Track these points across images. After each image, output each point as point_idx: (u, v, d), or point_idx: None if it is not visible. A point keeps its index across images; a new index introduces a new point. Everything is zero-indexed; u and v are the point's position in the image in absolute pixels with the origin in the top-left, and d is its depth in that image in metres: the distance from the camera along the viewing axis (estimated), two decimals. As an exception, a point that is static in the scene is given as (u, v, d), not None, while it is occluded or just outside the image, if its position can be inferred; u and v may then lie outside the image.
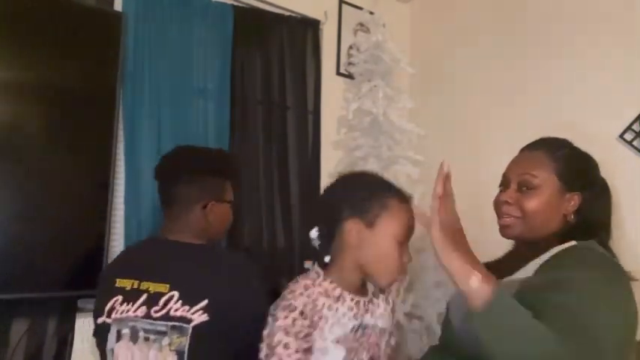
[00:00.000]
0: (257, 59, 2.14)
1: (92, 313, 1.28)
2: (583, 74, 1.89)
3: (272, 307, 0.95)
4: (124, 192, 1.83)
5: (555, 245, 1.09)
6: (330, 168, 2.32)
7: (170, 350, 1.12)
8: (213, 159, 1.40)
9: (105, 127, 1.71)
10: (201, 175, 1.30)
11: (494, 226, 1.24)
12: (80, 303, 1.71)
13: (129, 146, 1.83)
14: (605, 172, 1.77)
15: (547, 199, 1.13)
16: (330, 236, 1.00)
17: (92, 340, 1.70)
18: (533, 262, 1.07)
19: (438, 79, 2.50)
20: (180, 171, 1.30)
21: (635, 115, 1.72)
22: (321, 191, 1.08)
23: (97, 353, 1.59)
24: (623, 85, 1.76)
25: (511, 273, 1.09)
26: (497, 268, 1.17)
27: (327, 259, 1.00)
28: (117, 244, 1.82)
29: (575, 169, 1.19)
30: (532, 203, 1.12)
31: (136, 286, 1.20)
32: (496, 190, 1.29)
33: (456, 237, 0.90)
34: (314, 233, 1.01)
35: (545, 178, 1.14)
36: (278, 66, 2.20)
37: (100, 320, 1.22)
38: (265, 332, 0.93)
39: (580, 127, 1.88)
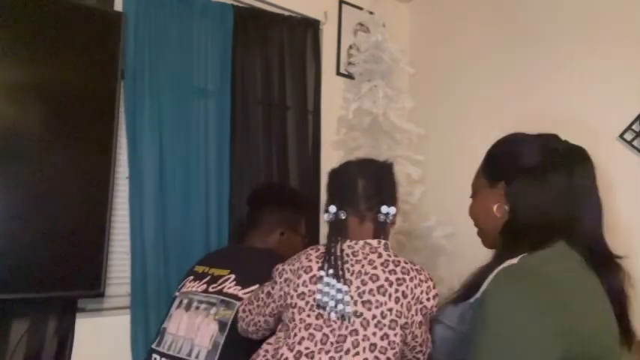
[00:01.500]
0: (257, 59, 2.14)
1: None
2: (583, 74, 1.89)
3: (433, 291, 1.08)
4: (127, 192, 1.83)
5: (505, 260, 0.92)
6: (330, 168, 2.31)
7: (214, 319, 1.30)
8: (297, 196, 1.69)
9: (105, 127, 1.71)
10: (286, 207, 1.58)
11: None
12: (80, 303, 1.71)
13: (131, 146, 1.83)
14: (605, 172, 1.79)
15: (479, 202, 1.07)
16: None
17: (92, 340, 1.71)
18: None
19: (438, 79, 2.50)
20: (269, 201, 1.59)
21: (635, 115, 1.72)
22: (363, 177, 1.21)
23: (97, 353, 1.63)
24: (623, 85, 1.76)
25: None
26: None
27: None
28: (117, 244, 1.82)
29: (494, 155, 1.06)
30: (470, 210, 1.10)
31: (205, 271, 1.45)
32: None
33: None
34: (387, 209, 1.17)
35: (477, 180, 1.08)
36: (278, 66, 2.20)
37: (174, 294, 1.49)
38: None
39: (580, 127, 1.89)
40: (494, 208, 1.01)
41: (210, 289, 1.36)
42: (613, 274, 0.94)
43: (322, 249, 1.15)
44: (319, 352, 1.02)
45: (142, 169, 1.83)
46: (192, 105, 1.96)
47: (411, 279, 1.06)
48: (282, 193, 1.70)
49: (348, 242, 1.14)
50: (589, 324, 0.84)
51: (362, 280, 1.05)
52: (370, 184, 1.18)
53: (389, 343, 1.01)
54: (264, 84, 2.15)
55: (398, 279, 1.05)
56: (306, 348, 1.03)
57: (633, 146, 1.72)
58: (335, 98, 2.38)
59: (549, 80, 1.99)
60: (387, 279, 1.05)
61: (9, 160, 1.53)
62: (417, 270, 1.08)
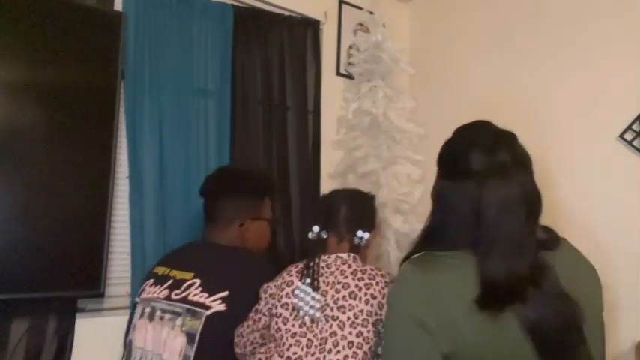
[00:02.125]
0: (257, 59, 2.14)
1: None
2: (583, 74, 1.89)
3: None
4: (128, 192, 1.83)
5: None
6: (330, 168, 2.31)
7: (181, 330, 1.20)
8: (251, 180, 1.52)
9: (105, 127, 1.71)
10: (240, 195, 1.44)
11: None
12: (80, 303, 1.71)
13: (131, 146, 1.83)
14: (605, 172, 1.79)
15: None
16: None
17: (92, 340, 1.71)
18: None
19: (438, 79, 2.50)
20: (221, 191, 1.45)
21: (635, 115, 1.72)
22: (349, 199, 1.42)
23: (97, 353, 1.63)
24: (623, 85, 1.76)
25: None
26: None
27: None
28: (117, 244, 1.82)
29: (440, 152, 1.11)
30: None
31: (166, 273, 1.33)
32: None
33: None
34: (362, 234, 1.37)
35: None
36: (278, 66, 2.20)
37: (135, 299, 1.38)
38: None
39: (580, 127, 1.89)
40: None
41: (174, 296, 1.25)
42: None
43: (301, 265, 1.30)
44: (306, 355, 1.16)
45: (141, 169, 1.83)
46: (192, 105, 1.96)
47: (377, 282, 1.22)
48: (233, 182, 1.51)
49: (323, 257, 1.30)
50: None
51: (336, 289, 1.22)
52: (351, 210, 1.39)
53: (364, 339, 1.16)
54: (264, 84, 2.15)
55: (366, 284, 1.22)
56: (294, 353, 1.17)
57: (633, 146, 1.72)
58: (335, 98, 2.38)
59: (549, 80, 1.99)
60: (356, 285, 1.22)
61: (9, 160, 1.53)
62: (381, 275, 1.26)
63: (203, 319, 1.19)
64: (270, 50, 2.18)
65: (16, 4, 1.58)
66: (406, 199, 2.15)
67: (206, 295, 1.22)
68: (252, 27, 2.13)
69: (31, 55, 1.59)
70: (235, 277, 1.23)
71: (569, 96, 1.92)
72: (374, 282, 1.22)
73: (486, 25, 2.29)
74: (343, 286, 1.22)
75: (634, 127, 1.72)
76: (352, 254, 1.31)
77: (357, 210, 1.40)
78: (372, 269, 1.26)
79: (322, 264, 1.28)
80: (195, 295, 1.23)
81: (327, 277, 1.24)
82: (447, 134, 1.10)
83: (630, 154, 1.73)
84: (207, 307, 1.20)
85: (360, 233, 1.35)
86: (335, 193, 1.48)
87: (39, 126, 1.60)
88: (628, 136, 1.73)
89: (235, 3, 2.12)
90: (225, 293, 1.21)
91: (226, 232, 1.41)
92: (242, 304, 1.21)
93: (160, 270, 1.36)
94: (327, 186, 2.30)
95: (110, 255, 1.73)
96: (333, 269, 1.27)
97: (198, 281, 1.25)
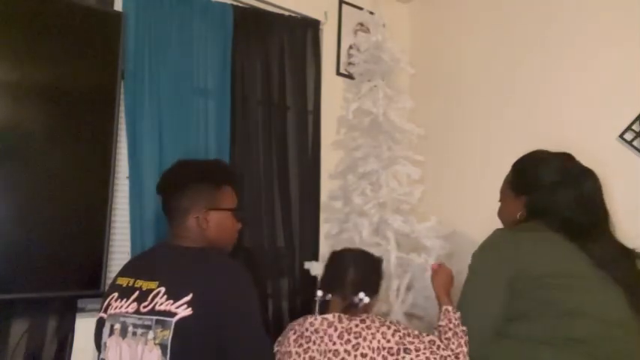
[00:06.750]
0: (257, 59, 2.14)
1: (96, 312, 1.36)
2: (583, 74, 1.89)
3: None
4: (128, 192, 1.83)
5: None
6: (330, 168, 2.32)
7: (155, 344, 1.16)
8: (204, 168, 1.43)
9: (105, 127, 1.71)
10: (193, 183, 1.35)
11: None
12: (80, 303, 1.71)
13: (131, 147, 1.83)
14: (605, 172, 1.79)
15: (503, 208, 1.51)
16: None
17: (92, 340, 1.71)
18: None
19: (438, 79, 2.50)
20: (174, 183, 1.37)
21: (635, 115, 1.72)
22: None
23: (96, 353, 1.60)
24: (623, 85, 1.76)
25: None
26: None
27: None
28: (117, 244, 1.83)
29: (520, 171, 1.46)
30: (498, 212, 1.54)
31: (131, 284, 1.27)
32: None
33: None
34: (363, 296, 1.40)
35: (504, 189, 1.51)
36: (278, 66, 2.20)
37: (98, 315, 1.30)
38: None
39: (580, 127, 1.89)
40: (518, 215, 1.41)
41: (142, 309, 1.21)
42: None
43: (297, 330, 1.39)
44: None
45: (142, 169, 1.83)
46: (192, 105, 1.96)
47: (364, 338, 1.27)
48: (186, 171, 1.41)
49: (310, 319, 1.36)
50: None
51: (328, 358, 1.28)
52: (357, 273, 1.44)
53: None
54: (264, 84, 2.15)
55: (354, 345, 1.27)
56: None
57: (633, 146, 1.72)
58: (335, 98, 2.38)
59: (549, 80, 1.99)
60: (345, 350, 1.28)
61: (9, 160, 1.53)
62: (367, 327, 1.30)
63: (172, 327, 1.15)
64: (270, 50, 2.18)
65: (16, 4, 1.58)
66: (406, 199, 2.15)
67: (172, 302, 1.18)
68: (252, 27, 2.13)
69: (31, 55, 1.59)
70: (198, 278, 1.19)
71: (569, 96, 1.92)
72: (361, 339, 1.27)
73: (486, 25, 2.29)
74: (334, 354, 1.29)
75: (634, 127, 1.72)
76: (337, 315, 1.35)
77: (364, 273, 1.47)
78: (356, 325, 1.30)
79: (311, 328, 1.35)
80: (161, 304, 1.18)
81: (318, 346, 1.32)
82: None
83: (630, 154, 1.73)
84: (174, 315, 1.16)
85: (361, 295, 1.40)
86: (344, 254, 1.54)
87: (39, 126, 1.60)
88: (628, 136, 1.73)
89: (235, 3, 2.12)
90: (189, 297, 1.17)
91: (184, 226, 1.33)
92: (208, 305, 1.16)
93: (124, 281, 1.30)
94: (327, 186, 2.31)
95: (110, 255, 1.73)
96: (321, 334, 1.33)
97: (163, 289, 1.20)
